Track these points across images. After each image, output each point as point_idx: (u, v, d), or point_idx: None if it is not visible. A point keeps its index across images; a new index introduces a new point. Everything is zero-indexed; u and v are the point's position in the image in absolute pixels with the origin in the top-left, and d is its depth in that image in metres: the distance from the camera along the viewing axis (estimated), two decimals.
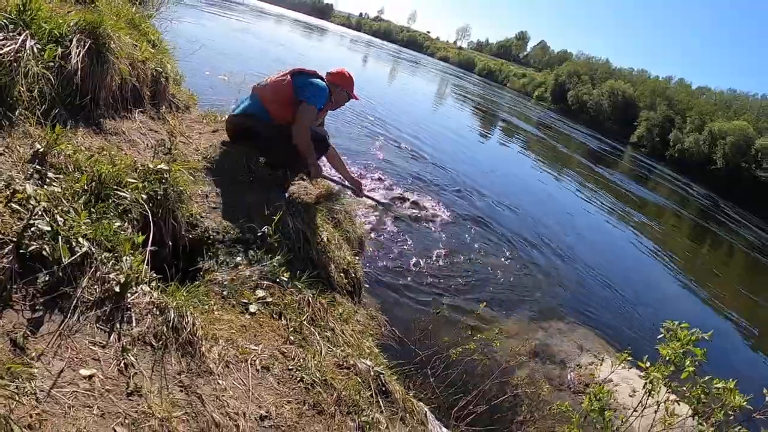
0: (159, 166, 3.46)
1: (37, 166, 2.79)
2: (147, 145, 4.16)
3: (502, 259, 8.26)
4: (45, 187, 2.64)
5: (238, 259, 3.63)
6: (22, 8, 3.29)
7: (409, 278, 6.26)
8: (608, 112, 78.58)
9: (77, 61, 3.58)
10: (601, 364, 5.49)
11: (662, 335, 3.48)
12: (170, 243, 3.59)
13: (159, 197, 3.40)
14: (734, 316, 11.28)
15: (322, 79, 5.45)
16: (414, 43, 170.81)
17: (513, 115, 42.83)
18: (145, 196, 3.18)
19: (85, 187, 2.82)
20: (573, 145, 36.75)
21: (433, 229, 8.31)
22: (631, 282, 10.39)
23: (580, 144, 39.40)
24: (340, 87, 5.62)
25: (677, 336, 3.37)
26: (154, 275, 2.76)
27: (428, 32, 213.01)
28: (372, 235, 6.83)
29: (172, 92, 5.53)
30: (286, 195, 4.80)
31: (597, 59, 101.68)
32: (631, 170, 36.60)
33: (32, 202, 2.43)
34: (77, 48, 3.61)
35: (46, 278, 2.20)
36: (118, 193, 2.97)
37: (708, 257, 17.70)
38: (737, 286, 14.63)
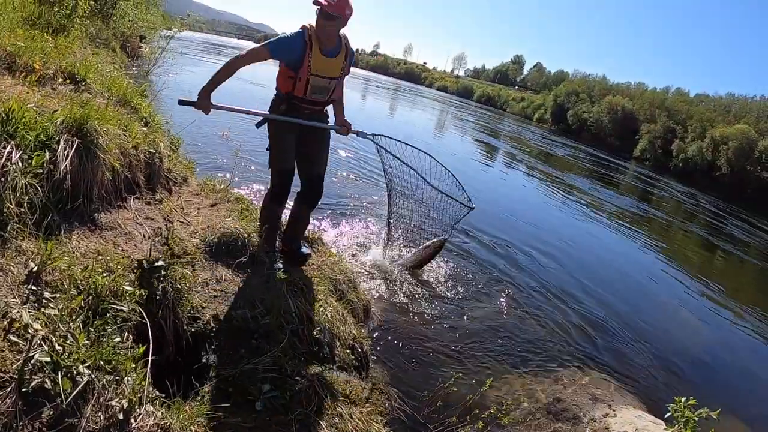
0: (156, 264, 3.44)
1: (33, 287, 2.75)
2: (144, 236, 4.11)
3: (504, 302, 8.05)
4: (42, 309, 2.61)
5: (242, 351, 3.58)
6: (5, 118, 3.29)
7: (417, 342, 6.07)
8: (609, 128, 78.49)
9: (66, 165, 3.56)
10: (615, 416, 5.39)
11: (670, 413, 3.45)
12: (172, 341, 3.55)
13: (158, 297, 3.38)
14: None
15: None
16: (412, 74, 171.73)
17: (513, 141, 42.77)
18: (144, 297, 3.16)
19: (82, 305, 2.79)
20: (574, 166, 36.57)
21: (437, 277, 8.09)
22: (643, 311, 10.08)
23: (580, 164, 39.19)
24: (317, 18, 4.67)
25: (684, 416, 3.34)
26: (157, 393, 2.74)
27: (425, 63, 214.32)
28: (377, 297, 6.69)
29: (168, 167, 5.49)
30: (280, 266, 4.69)
31: (594, 77, 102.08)
32: (633, 186, 36.37)
33: (30, 330, 2.41)
34: (65, 149, 3.59)
35: (51, 412, 2.18)
36: (116, 306, 2.94)
37: (723, 273, 17.32)
38: (758, 301, 14.21)
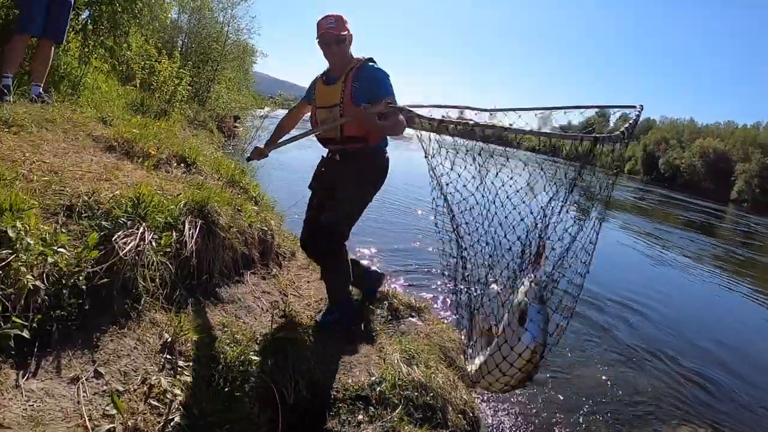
0: (278, 335, 3.63)
1: (167, 356, 2.96)
2: (262, 308, 4.34)
3: (610, 359, 7.73)
4: (177, 376, 2.81)
5: (360, 417, 3.68)
6: (136, 202, 3.56)
7: (523, 405, 5.95)
8: (702, 173, 76.23)
9: (192, 244, 3.81)
10: None
11: None
12: (294, 408, 3.69)
13: (280, 367, 3.54)
14: None
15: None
16: (499, 137, 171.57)
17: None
18: (267, 369, 3.33)
19: (213, 373, 2.97)
20: (669, 216, 35.57)
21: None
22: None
23: (675, 214, 38.06)
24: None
25: None
26: None
27: (511, 124, 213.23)
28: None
29: (278, 243, 5.72)
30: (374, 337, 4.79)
31: (681, 120, 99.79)
32: (732, 231, 35.09)
33: (169, 395, 2.59)
34: (190, 230, 3.84)
35: None
36: (244, 374, 3.11)
37: None
38: None
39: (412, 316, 5.50)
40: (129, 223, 3.36)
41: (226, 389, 2.94)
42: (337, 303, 4.81)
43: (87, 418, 2.38)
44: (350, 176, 4.64)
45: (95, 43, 10.45)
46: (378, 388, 3.96)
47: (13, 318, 2.51)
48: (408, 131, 4.32)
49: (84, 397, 2.49)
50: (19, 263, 2.63)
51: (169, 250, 3.57)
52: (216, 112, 20.78)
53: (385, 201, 14.76)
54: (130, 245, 3.21)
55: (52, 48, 7.03)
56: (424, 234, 12.23)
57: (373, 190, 4.76)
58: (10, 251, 2.65)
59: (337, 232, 4.65)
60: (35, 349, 2.59)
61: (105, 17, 10.18)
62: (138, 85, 12.18)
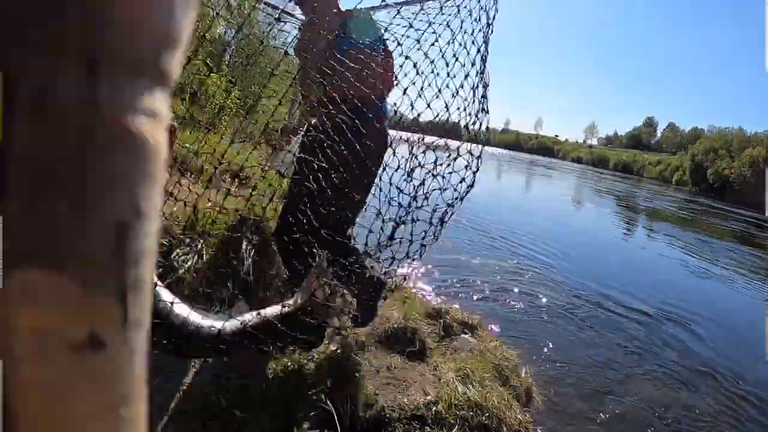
0: (335, 353, 3.58)
1: (227, 375, 2.95)
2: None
3: (669, 380, 7.35)
4: (235, 395, 2.77)
5: None
6: (193, 219, 3.56)
7: (580, 428, 5.91)
8: (752, 183, 74.85)
9: (248, 261, 3.80)
10: None
11: None
12: (350, 427, 3.64)
13: (336, 385, 3.49)
14: None
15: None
16: (544, 148, 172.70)
17: (650, 209, 41.29)
18: (324, 388, 3.28)
19: (271, 392, 2.93)
20: (719, 230, 34.89)
21: (592, 356, 7.66)
22: None
23: (725, 227, 37.32)
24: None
25: None
26: None
27: (556, 136, 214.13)
28: (538, 381, 6.55)
29: None
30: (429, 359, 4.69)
31: (730, 129, 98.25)
32: None
33: (226, 416, 2.55)
34: (246, 246, 3.85)
35: None
36: (302, 395, 3.07)
37: None
38: None
39: (466, 333, 5.44)
40: (187, 240, 3.36)
41: (284, 409, 2.89)
42: None
43: None
44: None
45: None
46: (434, 408, 3.88)
47: None
48: None
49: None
50: None
51: (225, 267, 3.56)
52: (264, 125, 20.99)
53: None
54: (189, 263, 3.20)
55: None
56: (472, 246, 12.15)
57: None
58: None
59: None
60: None
61: None
62: (187, 99, 12.28)
